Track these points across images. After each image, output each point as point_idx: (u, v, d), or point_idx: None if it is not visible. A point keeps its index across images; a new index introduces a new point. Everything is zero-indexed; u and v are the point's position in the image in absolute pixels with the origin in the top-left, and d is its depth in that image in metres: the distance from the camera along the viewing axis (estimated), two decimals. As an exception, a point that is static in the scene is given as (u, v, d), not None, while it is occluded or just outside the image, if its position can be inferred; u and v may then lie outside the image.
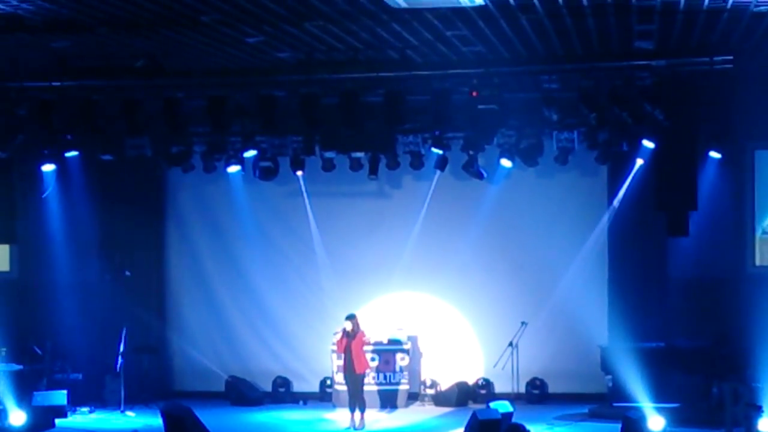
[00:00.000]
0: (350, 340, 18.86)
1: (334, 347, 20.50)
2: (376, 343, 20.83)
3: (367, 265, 22.20)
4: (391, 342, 21.40)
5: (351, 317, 19.02)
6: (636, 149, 19.54)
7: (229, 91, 19.03)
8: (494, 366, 21.52)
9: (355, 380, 18.95)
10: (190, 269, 22.76)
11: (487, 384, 21.89)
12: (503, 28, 16.21)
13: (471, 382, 21.88)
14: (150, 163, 21.01)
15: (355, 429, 18.70)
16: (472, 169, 20.49)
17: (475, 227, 21.81)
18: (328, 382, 21.72)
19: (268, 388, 22.48)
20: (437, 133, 19.87)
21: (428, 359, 22.10)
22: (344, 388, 19.79)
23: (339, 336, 19.13)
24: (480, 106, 18.83)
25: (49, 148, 20.44)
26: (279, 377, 22.45)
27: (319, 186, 21.89)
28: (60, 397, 19.44)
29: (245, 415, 20.69)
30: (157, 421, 17.62)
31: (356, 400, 18.85)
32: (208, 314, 22.61)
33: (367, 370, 19.62)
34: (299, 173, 21.30)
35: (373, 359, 20.68)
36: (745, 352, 18.30)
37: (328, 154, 20.57)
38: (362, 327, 19.18)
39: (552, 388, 21.62)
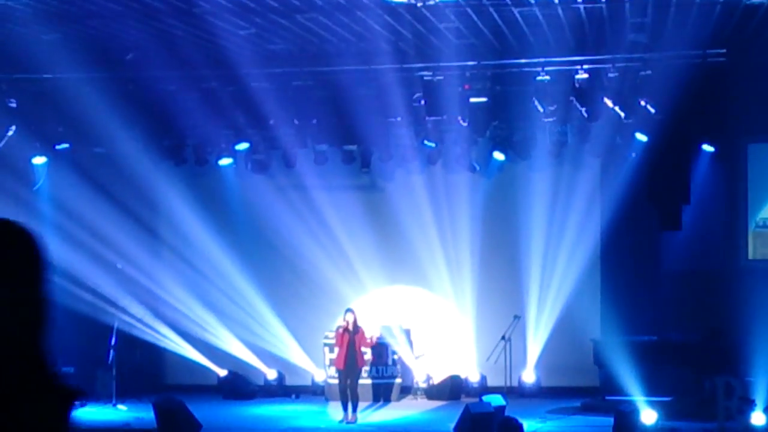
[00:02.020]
0: (352, 335, 18.75)
1: (329, 341, 20.47)
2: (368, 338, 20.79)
3: (360, 259, 22.16)
4: (384, 335, 21.35)
5: (352, 311, 18.95)
6: (629, 142, 19.52)
7: (221, 84, 18.98)
8: (487, 359, 21.50)
9: (354, 375, 18.89)
10: (182, 262, 22.69)
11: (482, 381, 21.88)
12: (496, 20, 16.20)
13: (464, 375, 21.85)
14: (142, 156, 20.93)
15: (347, 423, 18.65)
16: (464, 162, 20.47)
17: (467, 220, 21.78)
18: (323, 375, 21.67)
19: (261, 382, 22.44)
20: (430, 126, 19.84)
21: (421, 353, 22.05)
22: (336, 381, 19.76)
23: (341, 330, 18.95)
24: (472, 99, 18.82)
25: (40, 141, 20.38)
26: (271, 371, 22.41)
27: (311, 179, 21.83)
28: (51, 390, 19.34)
29: (238, 408, 20.64)
30: (149, 414, 17.57)
31: (351, 395, 18.79)
32: (199, 307, 22.55)
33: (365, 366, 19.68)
34: (291, 166, 21.24)
35: (365, 353, 20.64)
36: (738, 345, 18.27)
37: (321, 147, 20.53)
38: (360, 323, 19.13)
39: (545, 382, 21.59)
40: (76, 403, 3.08)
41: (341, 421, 18.73)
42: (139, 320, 22.00)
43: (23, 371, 3.01)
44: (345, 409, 18.76)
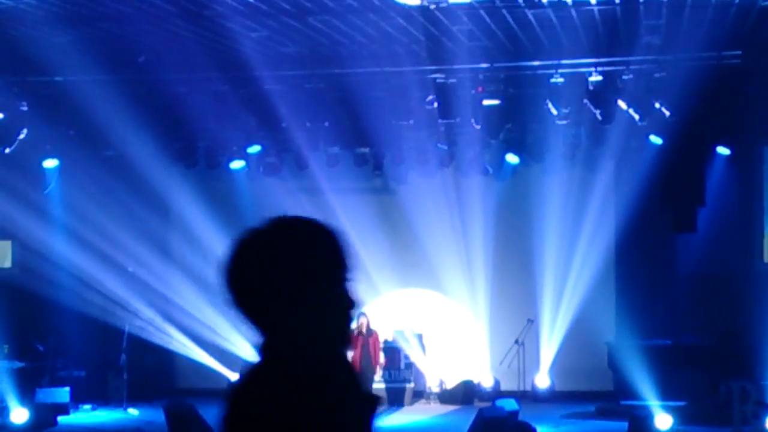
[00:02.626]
0: (366, 338, 18.72)
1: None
2: (382, 341, 20.72)
3: (373, 262, 22.05)
4: (397, 339, 21.28)
5: (365, 314, 18.93)
6: (643, 145, 19.40)
7: (232, 86, 18.92)
8: (500, 363, 21.41)
9: (369, 378, 18.88)
10: (193, 266, 22.61)
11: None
12: (509, 22, 16.10)
13: (477, 380, 21.75)
14: (153, 159, 20.87)
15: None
16: (477, 165, 20.38)
17: (480, 223, 21.70)
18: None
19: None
20: (442, 128, 19.76)
21: (434, 357, 21.97)
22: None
23: (355, 333, 18.92)
24: (485, 102, 18.72)
25: (52, 144, 20.35)
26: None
27: (323, 182, 21.75)
28: (62, 394, 19.37)
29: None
30: (160, 418, 17.50)
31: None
32: (211, 311, 22.48)
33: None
34: (304, 169, 21.17)
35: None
36: (754, 349, 18.18)
37: (333, 150, 20.47)
38: (373, 326, 19.09)
39: (558, 386, 21.47)
40: (378, 409, 3.03)
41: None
42: (151, 324, 21.96)
43: (337, 374, 2.97)
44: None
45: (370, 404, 3.00)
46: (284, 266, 2.97)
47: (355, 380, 3.01)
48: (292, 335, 2.95)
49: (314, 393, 2.85)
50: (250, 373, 3.02)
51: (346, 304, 3.02)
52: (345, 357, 3.01)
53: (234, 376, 22.17)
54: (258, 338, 3.04)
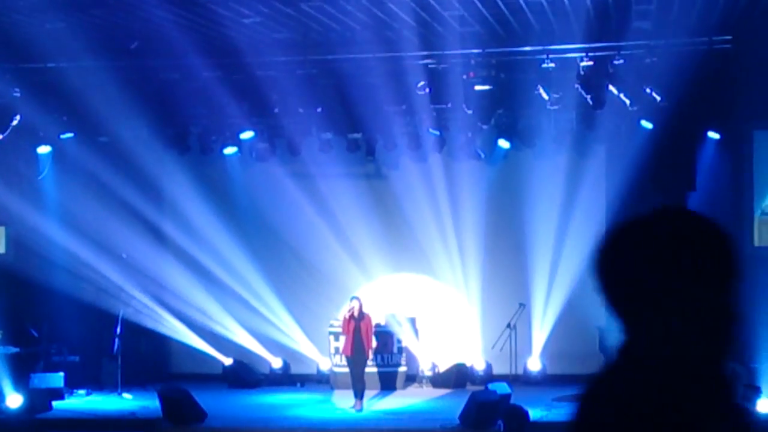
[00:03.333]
0: (358, 321, 18.77)
1: (334, 329, 20.45)
2: (374, 325, 20.79)
3: (365, 247, 22.14)
4: (389, 324, 21.33)
5: (358, 298, 18.98)
6: (634, 130, 19.45)
7: (225, 72, 18.95)
8: (492, 347, 21.50)
9: (362, 362, 18.90)
10: (187, 251, 22.66)
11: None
12: (500, 7, 16.15)
13: (469, 363, 21.83)
14: (146, 145, 20.90)
15: (355, 411, 18.64)
16: (469, 150, 20.43)
17: (472, 208, 21.74)
18: (328, 363, 21.67)
19: (266, 370, 22.44)
20: (434, 114, 19.80)
21: (426, 341, 22.04)
22: (342, 370, 19.78)
23: (347, 317, 18.96)
24: (477, 87, 18.77)
25: (45, 130, 20.37)
26: (276, 360, 22.41)
27: (316, 167, 21.80)
28: (57, 379, 19.40)
29: (243, 397, 20.65)
30: (155, 403, 17.59)
31: (359, 382, 18.79)
32: (204, 296, 22.55)
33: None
34: (296, 154, 21.21)
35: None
36: (744, 332, 18.22)
37: (325, 135, 20.50)
38: (366, 310, 19.12)
39: (550, 370, 21.57)
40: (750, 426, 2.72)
41: (349, 408, 18.72)
42: (145, 309, 22.01)
43: (704, 393, 2.65)
44: (356, 397, 18.76)
45: (746, 424, 2.67)
46: (660, 261, 2.65)
47: (729, 406, 2.66)
48: (657, 340, 2.63)
49: (668, 409, 2.57)
50: (604, 375, 2.71)
51: (727, 316, 2.75)
52: (722, 375, 2.68)
53: (227, 361, 22.25)
54: (621, 336, 2.72)
